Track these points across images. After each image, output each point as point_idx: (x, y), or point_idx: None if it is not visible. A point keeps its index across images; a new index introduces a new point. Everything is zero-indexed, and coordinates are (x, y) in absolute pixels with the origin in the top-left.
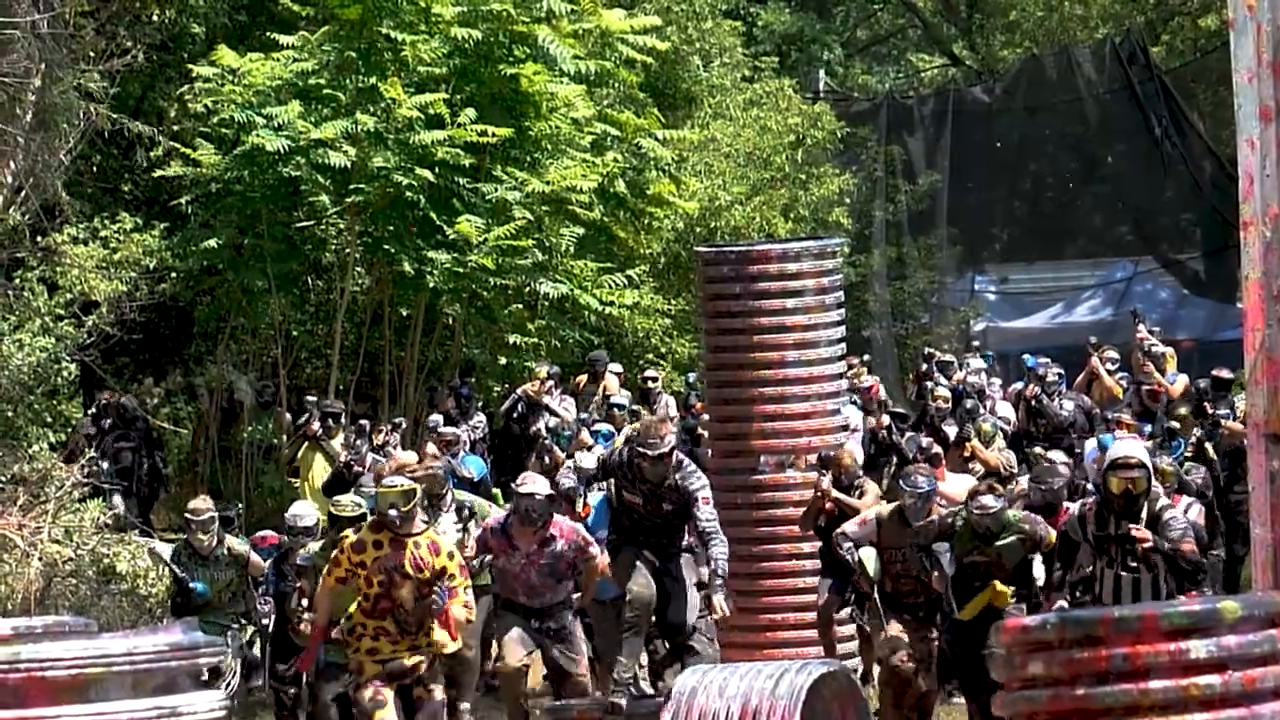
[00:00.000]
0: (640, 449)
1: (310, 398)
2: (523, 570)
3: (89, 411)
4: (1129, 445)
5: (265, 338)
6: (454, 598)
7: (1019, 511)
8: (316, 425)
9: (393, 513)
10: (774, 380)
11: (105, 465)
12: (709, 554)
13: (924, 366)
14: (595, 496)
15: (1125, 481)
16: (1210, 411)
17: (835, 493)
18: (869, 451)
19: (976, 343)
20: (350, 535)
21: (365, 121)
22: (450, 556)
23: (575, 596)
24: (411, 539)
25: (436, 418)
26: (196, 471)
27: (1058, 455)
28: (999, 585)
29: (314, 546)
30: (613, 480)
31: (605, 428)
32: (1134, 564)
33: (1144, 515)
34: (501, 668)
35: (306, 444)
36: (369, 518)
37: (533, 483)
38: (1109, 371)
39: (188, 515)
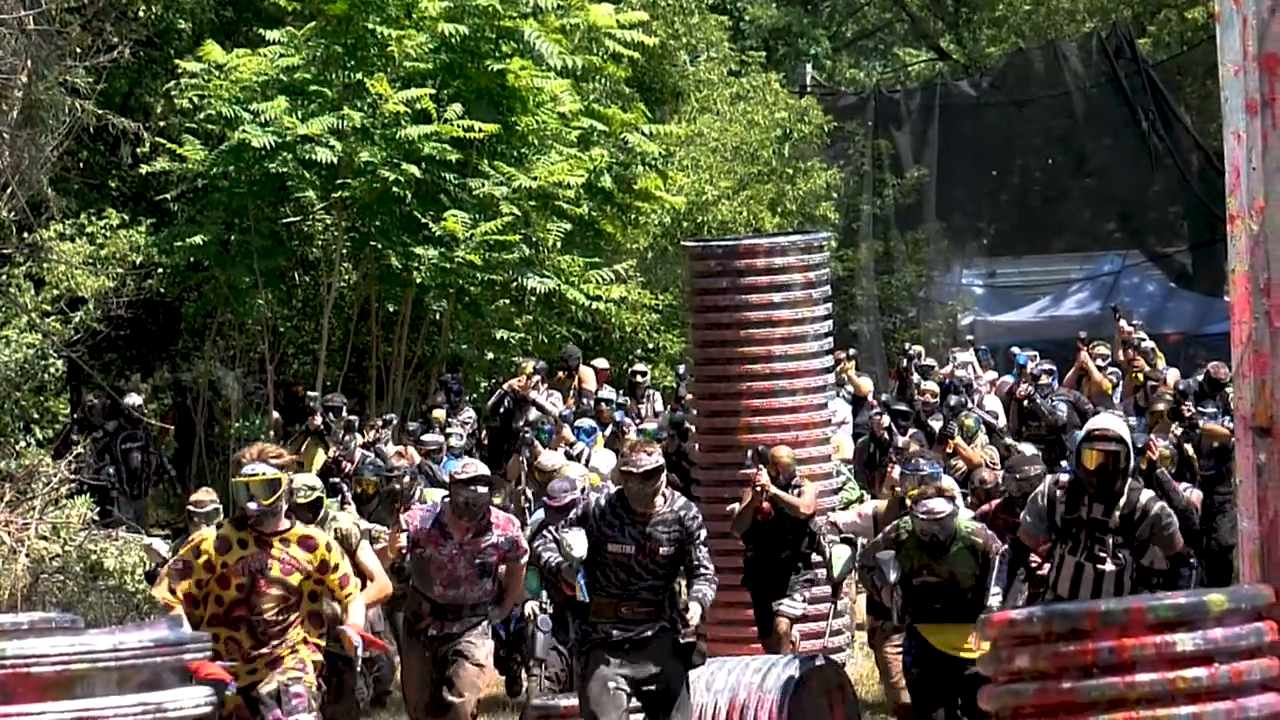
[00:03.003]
0: (626, 469)
1: (312, 394)
2: (451, 561)
3: (75, 415)
4: (1108, 418)
5: (252, 334)
6: (344, 594)
7: (970, 521)
8: (319, 419)
9: (252, 506)
10: (761, 375)
11: (113, 470)
12: (694, 589)
13: (904, 363)
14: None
15: (1102, 455)
16: (1187, 413)
17: (773, 488)
18: (869, 450)
19: (970, 336)
20: (209, 533)
21: (352, 117)
22: (329, 548)
23: (495, 609)
24: (278, 537)
25: (439, 413)
26: (184, 469)
27: (1028, 448)
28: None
29: None
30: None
31: (587, 423)
32: (1101, 554)
33: (1121, 501)
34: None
35: (309, 439)
36: (324, 504)
37: (474, 469)
38: (1099, 367)
39: (190, 509)
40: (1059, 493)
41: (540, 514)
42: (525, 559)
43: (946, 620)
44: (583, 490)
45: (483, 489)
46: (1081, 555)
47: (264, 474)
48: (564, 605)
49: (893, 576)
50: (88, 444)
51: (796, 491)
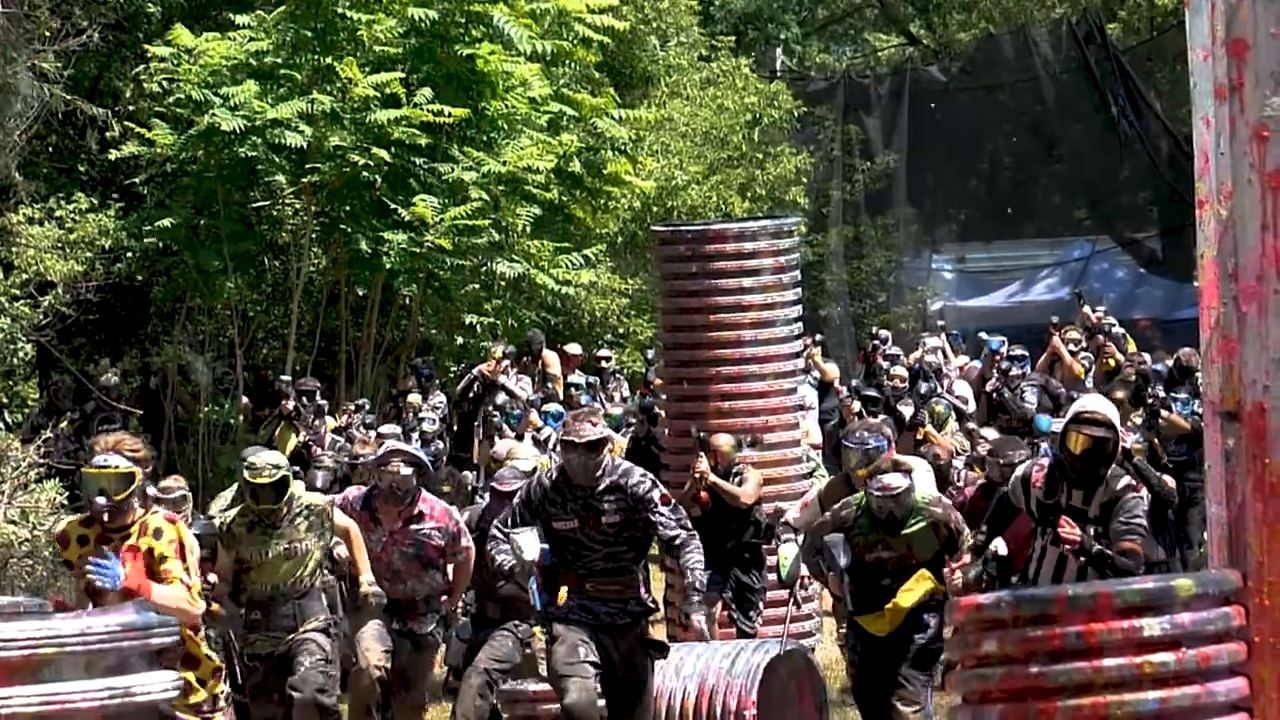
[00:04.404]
0: (568, 438)
1: (284, 378)
2: (384, 551)
3: (43, 399)
4: (1095, 400)
5: (222, 318)
6: (166, 580)
7: (929, 493)
8: (291, 404)
9: (101, 500)
10: (731, 360)
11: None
12: (681, 562)
13: (870, 348)
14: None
15: (1088, 440)
16: (1149, 401)
17: (712, 477)
18: (838, 436)
19: (940, 321)
20: (62, 523)
21: (321, 101)
22: (158, 535)
23: (444, 599)
24: (121, 534)
25: (414, 397)
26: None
27: (990, 432)
28: (912, 591)
29: (217, 506)
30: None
31: (555, 408)
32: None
33: (1101, 489)
34: (356, 671)
35: (282, 424)
36: (292, 484)
37: (399, 455)
38: (1071, 352)
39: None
40: (1036, 474)
41: (484, 502)
42: (465, 556)
43: (890, 599)
44: (532, 470)
45: (406, 469)
46: (1064, 546)
47: (117, 467)
48: (487, 598)
49: (843, 561)
50: (66, 425)
51: (738, 480)
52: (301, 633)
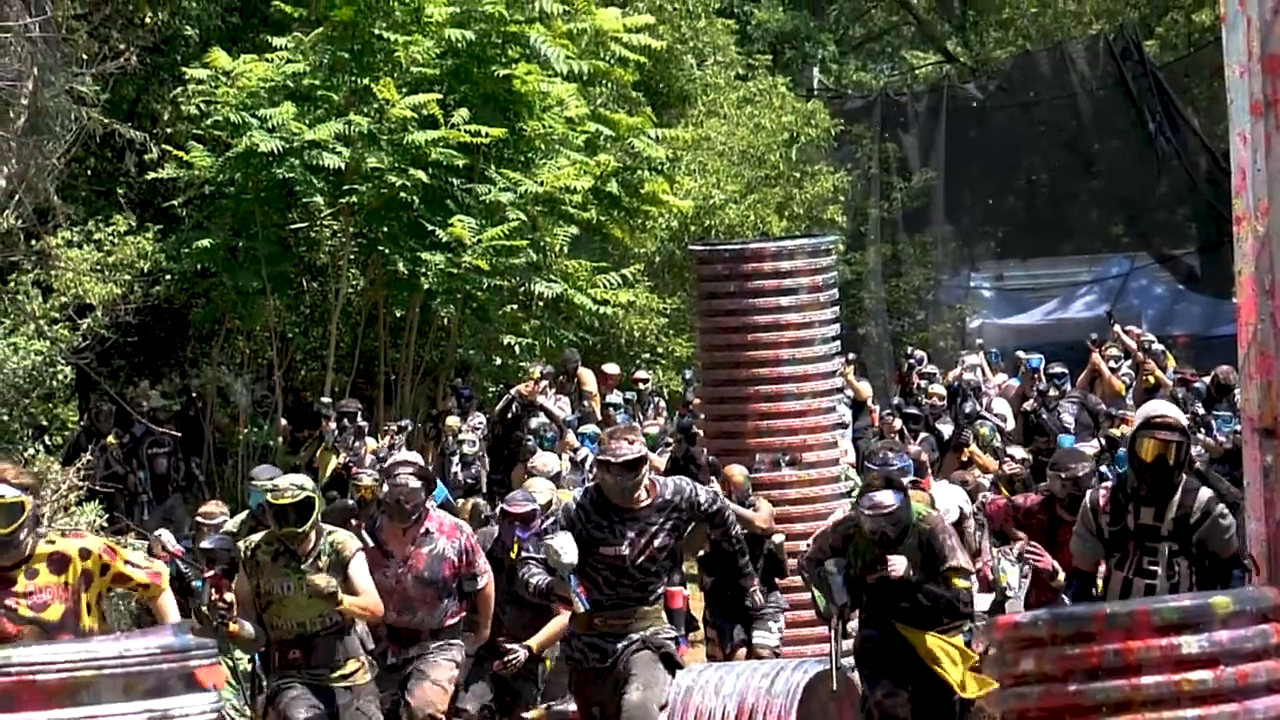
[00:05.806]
0: (604, 458)
1: (324, 399)
2: (398, 581)
3: (83, 422)
4: (1165, 405)
5: (260, 340)
6: (145, 594)
7: (924, 507)
8: (332, 425)
9: None
10: (769, 379)
11: (142, 475)
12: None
13: (907, 365)
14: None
15: (1161, 445)
16: (1188, 420)
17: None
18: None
19: (979, 339)
20: None
21: (359, 122)
22: (85, 554)
23: (469, 634)
24: (21, 569)
25: (453, 420)
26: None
27: (1017, 451)
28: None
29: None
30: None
31: (591, 429)
32: (1152, 566)
33: (1175, 501)
34: None
35: (322, 445)
36: (318, 510)
37: (407, 466)
38: (1112, 369)
39: (199, 520)
40: (1102, 501)
41: (495, 529)
42: (486, 580)
43: (917, 625)
44: (548, 503)
45: (414, 482)
46: (1129, 570)
47: (3, 497)
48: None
49: (839, 599)
50: (116, 447)
51: (751, 509)
52: (347, 682)
